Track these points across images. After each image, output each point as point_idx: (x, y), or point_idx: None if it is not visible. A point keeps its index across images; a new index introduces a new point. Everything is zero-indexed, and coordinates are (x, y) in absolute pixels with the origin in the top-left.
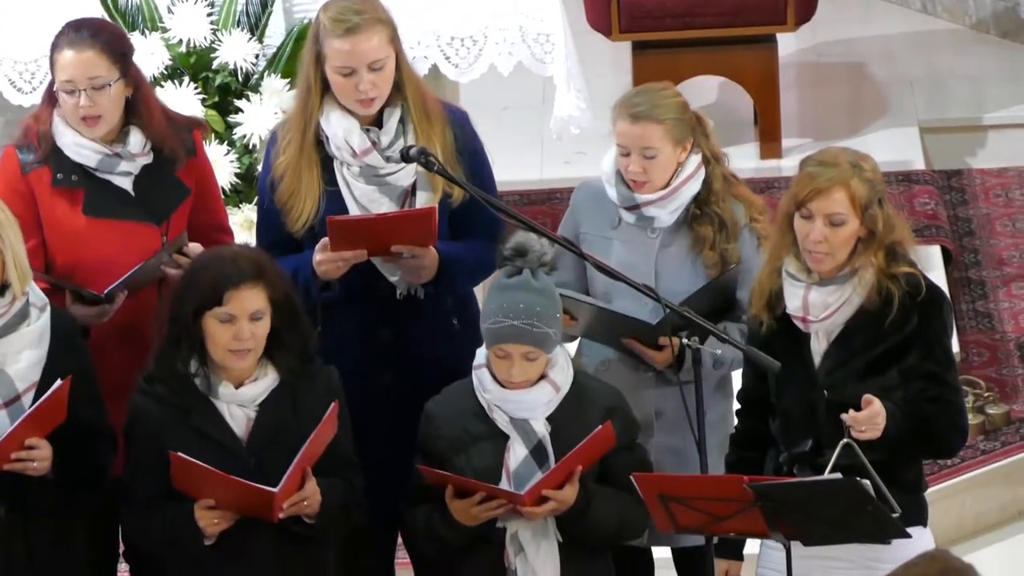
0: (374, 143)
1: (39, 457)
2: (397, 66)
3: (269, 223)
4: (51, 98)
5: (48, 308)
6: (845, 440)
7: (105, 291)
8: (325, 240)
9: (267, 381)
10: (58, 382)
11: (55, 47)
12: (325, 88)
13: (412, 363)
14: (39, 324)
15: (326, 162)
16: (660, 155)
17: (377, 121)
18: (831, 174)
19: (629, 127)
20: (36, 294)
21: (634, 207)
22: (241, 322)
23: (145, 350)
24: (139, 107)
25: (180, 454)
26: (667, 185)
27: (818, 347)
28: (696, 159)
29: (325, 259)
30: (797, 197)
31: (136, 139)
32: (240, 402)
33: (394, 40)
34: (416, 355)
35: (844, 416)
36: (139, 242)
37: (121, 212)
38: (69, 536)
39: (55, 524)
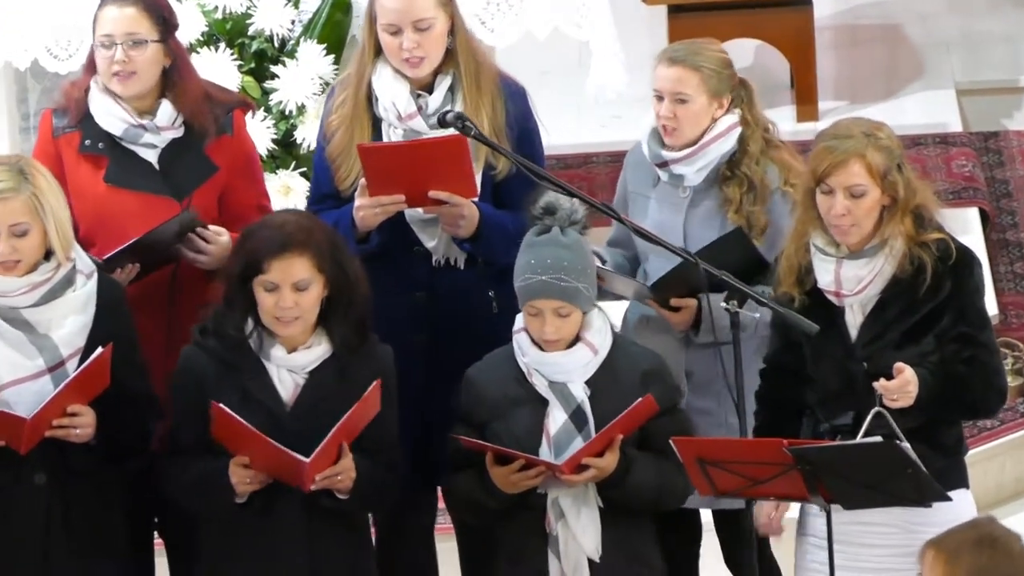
0: (420, 108)
1: (82, 424)
2: (453, 32)
3: (321, 177)
4: (91, 64)
5: (95, 275)
6: (876, 408)
7: (104, 257)
8: (363, 183)
9: (320, 350)
10: (99, 349)
11: (100, 5)
12: (379, 49)
13: (446, 328)
14: (85, 290)
15: (376, 122)
16: (692, 103)
17: (429, 87)
18: (846, 146)
19: (665, 70)
20: (84, 261)
21: (663, 164)
22: (283, 291)
23: (149, 333)
24: (175, 80)
25: (222, 406)
26: (696, 141)
27: (853, 320)
28: (731, 119)
29: (364, 204)
30: (816, 173)
31: (166, 112)
32: (290, 367)
33: (447, 5)
34: (450, 321)
35: (876, 385)
36: (157, 215)
37: (141, 184)
38: (109, 503)
39: (95, 492)
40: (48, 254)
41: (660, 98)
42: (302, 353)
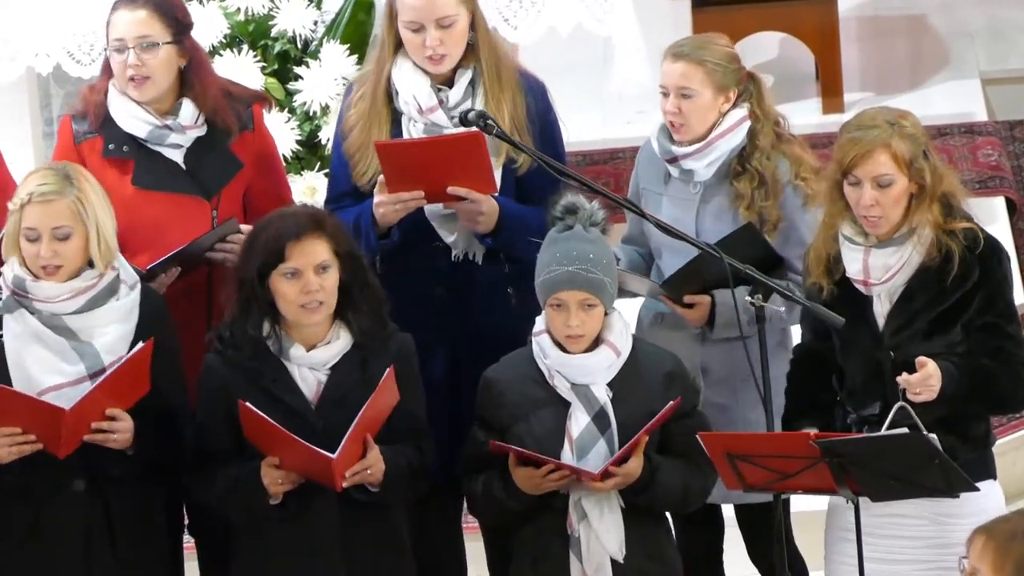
0: (441, 102)
1: (120, 428)
2: (473, 27)
3: (339, 175)
4: (108, 68)
5: (138, 286)
6: (900, 403)
7: (147, 268)
8: (382, 180)
9: (339, 344)
10: (139, 344)
11: (112, 9)
12: (399, 45)
13: (466, 325)
14: (128, 300)
15: (396, 118)
16: (698, 98)
17: (449, 81)
18: (871, 136)
19: (670, 66)
20: (127, 271)
21: (673, 160)
22: (307, 274)
23: (184, 338)
24: (193, 79)
25: (248, 404)
26: (705, 136)
27: (881, 309)
28: (740, 113)
29: (383, 201)
30: (842, 164)
31: (188, 111)
32: (311, 365)
33: (469, 1)
34: (470, 318)
35: (899, 379)
36: (188, 215)
37: (170, 184)
38: (148, 509)
39: (135, 498)
40: (90, 262)
41: (666, 94)
42: (322, 349)
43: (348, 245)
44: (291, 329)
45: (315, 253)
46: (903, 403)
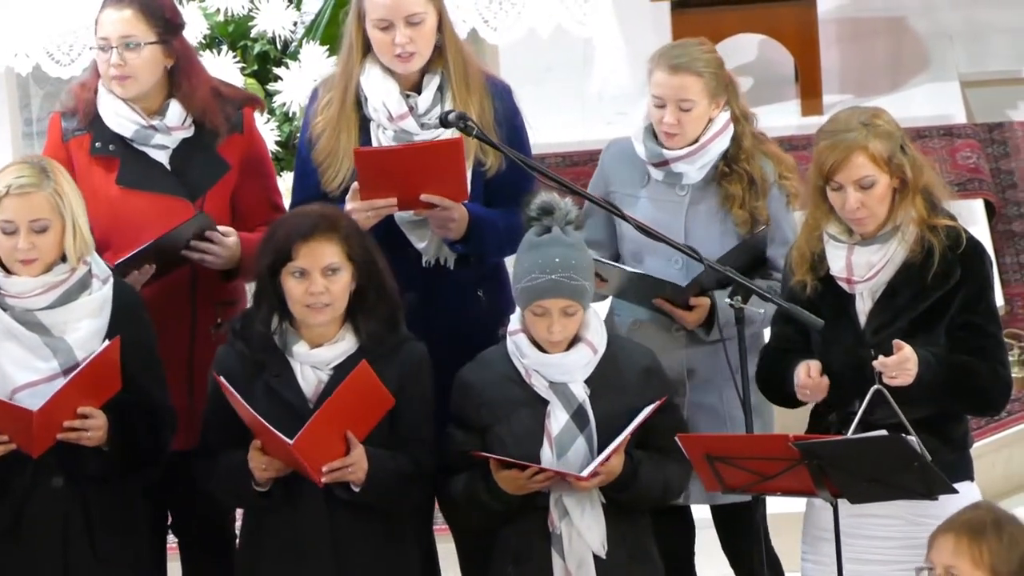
0: (411, 108)
1: (93, 427)
2: (440, 29)
3: (307, 181)
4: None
5: (111, 280)
6: (876, 386)
7: (115, 264)
8: (355, 187)
9: (345, 345)
10: (106, 342)
11: (100, 8)
12: (367, 48)
13: (438, 329)
14: (100, 294)
15: (364, 124)
16: (696, 108)
17: (417, 87)
18: (847, 140)
19: (668, 78)
20: (99, 266)
21: (662, 163)
22: (313, 275)
23: (167, 335)
24: (181, 79)
25: (222, 379)
26: (696, 141)
27: (863, 307)
28: (725, 116)
29: (356, 208)
30: (822, 171)
31: (175, 112)
32: (314, 363)
33: (436, 0)
34: (442, 322)
35: (875, 362)
36: (171, 216)
37: (154, 185)
38: (129, 507)
39: (115, 495)
40: (62, 257)
41: (662, 105)
42: (326, 348)
43: (364, 248)
44: (299, 326)
45: (323, 255)
46: (879, 386)
